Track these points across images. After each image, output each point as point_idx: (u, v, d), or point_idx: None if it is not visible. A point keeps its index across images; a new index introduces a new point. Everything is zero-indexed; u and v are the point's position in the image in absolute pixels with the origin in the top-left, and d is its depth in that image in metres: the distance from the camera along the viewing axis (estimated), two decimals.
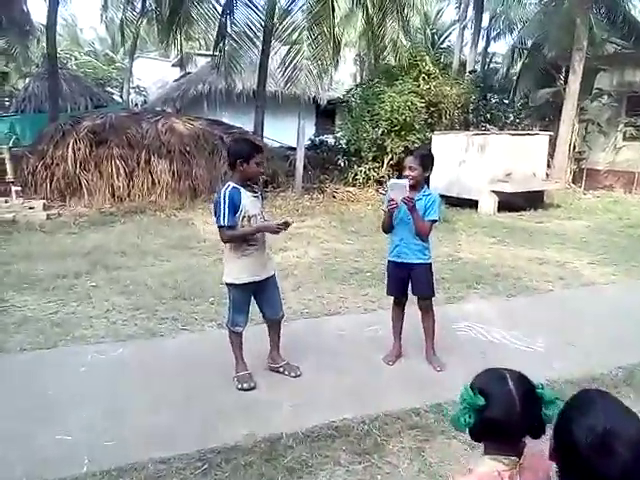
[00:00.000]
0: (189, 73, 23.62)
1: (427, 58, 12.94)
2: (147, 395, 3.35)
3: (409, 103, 11.97)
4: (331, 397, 3.32)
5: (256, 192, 3.39)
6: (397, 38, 21.43)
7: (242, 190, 3.23)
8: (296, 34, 11.68)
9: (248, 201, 3.25)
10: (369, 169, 12.64)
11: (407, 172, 3.54)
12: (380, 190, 12.78)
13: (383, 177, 12.81)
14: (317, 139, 14.58)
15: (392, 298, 3.86)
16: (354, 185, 12.67)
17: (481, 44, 22.07)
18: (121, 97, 25.13)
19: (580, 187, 14.72)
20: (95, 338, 4.23)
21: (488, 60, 24.05)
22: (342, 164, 12.93)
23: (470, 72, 15.00)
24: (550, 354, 3.93)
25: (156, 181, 11.16)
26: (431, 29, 27.71)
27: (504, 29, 25.88)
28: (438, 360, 3.77)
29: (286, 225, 3.30)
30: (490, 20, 23.17)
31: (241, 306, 3.42)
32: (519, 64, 19.42)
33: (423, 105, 12.40)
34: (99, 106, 20.18)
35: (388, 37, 19.17)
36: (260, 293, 3.46)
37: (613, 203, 12.18)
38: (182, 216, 9.97)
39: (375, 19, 15.78)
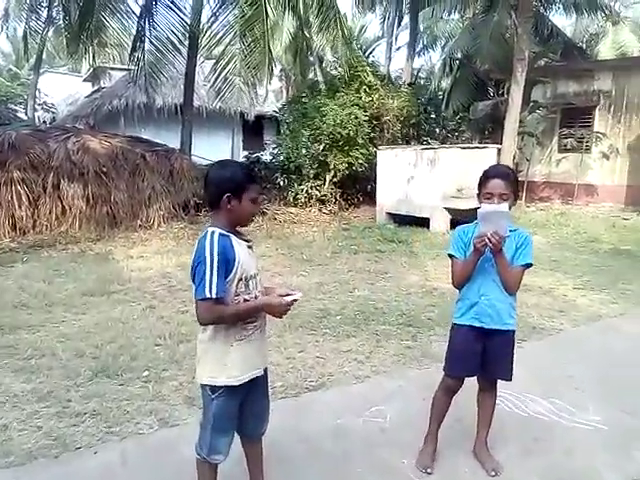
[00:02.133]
0: (103, 88, 21.77)
1: (368, 69, 12.16)
2: None
3: (352, 116, 11.10)
4: None
5: (250, 240, 2.21)
6: (323, 53, 20.85)
7: (234, 238, 2.07)
8: (227, 39, 10.45)
9: (244, 255, 2.09)
10: (311, 187, 11.63)
11: (496, 201, 2.46)
12: (323, 210, 11.81)
13: (325, 195, 11.85)
14: (253, 156, 13.38)
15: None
16: (295, 205, 11.60)
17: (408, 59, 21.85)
18: (26, 114, 22.77)
19: (521, 200, 14.48)
20: None
21: (416, 74, 23.93)
22: (281, 183, 11.82)
23: (410, 84, 14.43)
24: (615, 432, 2.99)
25: (67, 208, 9.50)
26: (356, 44, 27.38)
27: (428, 44, 26.10)
28: (491, 458, 2.71)
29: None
30: (416, 35, 23.06)
31: (228, 421, 2.18)
32: (450, 78, 19.26)
33: (366, 118, 11.57)
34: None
35: (315, 51, 18.55)
36: (248, 397, 2.24)
37: (561, 216, 11.87)
38: (100, 249, 8.43)
39: (302, 32, 15.02)
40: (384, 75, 14.26)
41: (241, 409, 2.19)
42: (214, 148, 15.95)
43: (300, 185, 11.65)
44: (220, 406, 2.12)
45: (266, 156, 13.55)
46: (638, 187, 13.15)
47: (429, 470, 2.65)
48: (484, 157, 11.05)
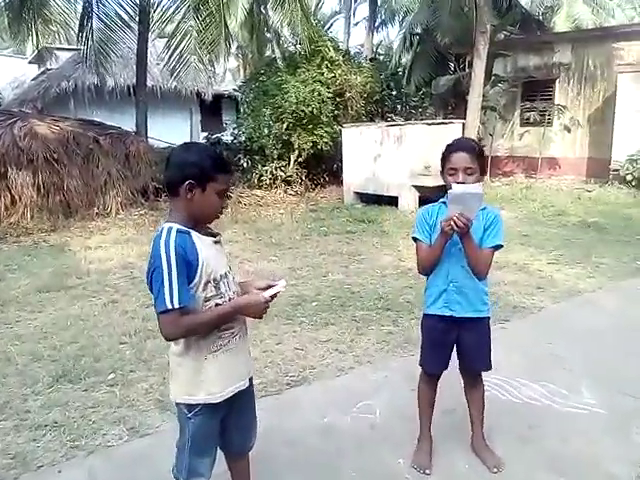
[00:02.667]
0: (50, 69, 20.67)
1: (329, 44, 11.79)
2: None
3: (315, 93, 10.76)
4: None
5: (216, 235, 1.91)
6: (281, 29, 20.30)
7: (194, 235, 1.76)
8: (181, 14, 9.90)
9: (209, 252, 1.79)
10: (275, 168, 11.29)
11: (460, 177, 2.23)
12: (289, 191, 11.50)
13: (291, 176, 11.53)
14: (213, 137, 12.88)
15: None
16: (260, 187, 11.26)
17: (369, 34, 21.49)
18: None
19: (486, 175, 14.51)
20: None
21: (375, 50, 23.60)
22: (244, 164, 11.43)
23: (371, 60, 14.12)
24: (614, 415, 2.88)
25: (16, 198, 8.92)
26: (313, 19, 26.79)
27: (387, 19, 25.80)
28: (492, 454, 2.55)
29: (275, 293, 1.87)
30: (375, 9, 22.65)
31: (208, 441, 1.91)
32: (410, 53, 19.02)
33: (330, 95, 11.25)
34: None
35: (271, 28, 17.97)
36: (232, 410, 1.95)
37: (526, 190, 11.89)
38: (55, 240, 7.95)
39: (258, 7, 14.45)
40: (345, 50, 13.90)
41: (224, 424, 1.93)
42: (171, 130, 15.34)
43: (264, 166, 11.29)
44: (198, 425, 1.84)
45: (227, 137, 13.09)
46: (599, 159, 13.30)
47: (427, 471, 2.47)
48: (450, 133, 10.93)
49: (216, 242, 1.86)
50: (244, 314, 1.87)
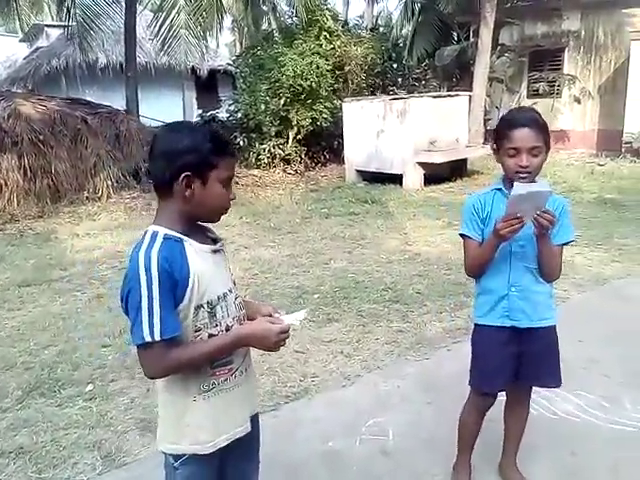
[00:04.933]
0: (40, 47, 20.01)
1: (327, 13, 11.16)
2: None
3: (314, 66, 10.20)
4: None
5: (217, 240, 1.50)
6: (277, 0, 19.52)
7: (188, 244, 1.36)
8: None
9: (205, 265, 1.38)
10: (273, 146, 10.79)
11: (524, 159, 1.81)
12: (288, 170, 11.02)
13: (290, 155, 11.03)
14: (208, 114, 12.33)
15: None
16: (258, 167, 10.79)
17: (369, 4, 20.69)
18: None
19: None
20: None
21: (375, 21, 22.80)
22: (241, 143, 10.92)
23: (372, 30, 13.47)
24: None
25: (2, 183, 8.47)
26: None
27: None
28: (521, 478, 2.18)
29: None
30: None
31: None
32: (411, 23, 18.30)
33: (329, 68, 10.69)
34: None
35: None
36: (233, 457, 1.55)
37: None
38: (42, 228, 7.52)
39: None
40: (345, 21, 13.26)
41: (222, 471, 1.54)
42: (165, 108, 14.81)
43: (262, 144, 10.79)
44: (187, 477, 1.45)
45: (222, 114, 12.55)
46: (610, 131, 12.75)
47: None
48: (456, 106, 10.44)
49: (215, 251, 1.45)
50: (251, 346, 1.49)
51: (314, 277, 5.00)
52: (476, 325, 2.08)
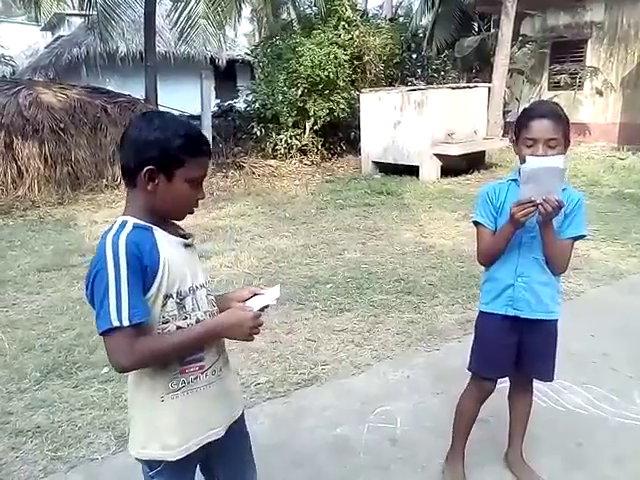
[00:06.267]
0: (62, 36, 20.22)
1: (346, 2, 11.09)
2: None
3: (332, 56, 10.17)
4: None
5: (188, 236, 1.47)
6: None
7: (159, 232, 1.35)
8: None
9: (175, 254, 1.36)
10: (290, 137, 10.78)
11: (540, 149, 1.82)
12: (304, 160, 11.02)
13: (306, 145, 11.03)
14: (226, 104, 12.37)
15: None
16: (275, 157, 10.80)
17: None
18: None
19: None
20: None
21: (394, 11, 22.57)
22: (258, 133, 10.95)
23: (391, 20, 13.36)
24: None
25: (23, 170, 8.64)
26: None
27: None
28: (530, 472, 2.19)
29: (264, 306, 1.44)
30: None
31: None
32: (431, 13, 18.11)
33: (347, 58, 10.64)
34: None
35: None
36: (217, 454, 1.53)
37: None
38: (61, 214, 7.66)
39: None
40: (363, 11, 13.16)
41: (207, 465, 1.56)
42: (184, 97, 14.87)
43: (279, 135, 10.79)
44: None
45: (240, 104, 12.58)
46: (632, 125, 12.53)
47: None
48: (475, 98, 10.34)
49: (187, 245, 1.44)
50: (223, 337, 1.44)
51: (327, 267, 5.03)
52: (480, 312, 2.11)
